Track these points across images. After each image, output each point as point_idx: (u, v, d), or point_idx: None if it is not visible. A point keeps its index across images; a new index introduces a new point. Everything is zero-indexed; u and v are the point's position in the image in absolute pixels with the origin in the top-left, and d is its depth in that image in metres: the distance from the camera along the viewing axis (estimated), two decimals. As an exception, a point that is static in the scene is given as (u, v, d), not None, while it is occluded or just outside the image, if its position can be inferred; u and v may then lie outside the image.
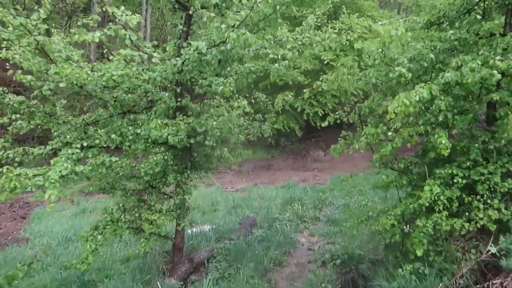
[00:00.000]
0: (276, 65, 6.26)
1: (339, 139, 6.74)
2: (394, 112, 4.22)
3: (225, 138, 6.49)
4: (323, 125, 6.83)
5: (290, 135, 22.08)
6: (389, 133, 5.45)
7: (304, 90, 20.89)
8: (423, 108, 4.93)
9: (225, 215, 11.03)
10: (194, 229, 9.70)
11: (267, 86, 20.32)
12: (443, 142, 4.73)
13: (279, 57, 5.92)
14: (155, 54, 4.82)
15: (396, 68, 5.00)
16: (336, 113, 6.77)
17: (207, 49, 4.36)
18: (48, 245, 8.99)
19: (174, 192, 6.36)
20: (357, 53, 19.96)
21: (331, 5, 8.69)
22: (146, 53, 4.86)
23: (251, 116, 7.26)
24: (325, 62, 19.37)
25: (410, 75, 4.97)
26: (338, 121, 6.99)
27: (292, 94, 7.44)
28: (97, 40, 4.60)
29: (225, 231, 9.04)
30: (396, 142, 5.29)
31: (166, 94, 6.18)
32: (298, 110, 20.18)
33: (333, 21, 20.10)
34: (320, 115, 20.30)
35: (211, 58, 4.33)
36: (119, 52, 4.59)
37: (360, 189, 12.33)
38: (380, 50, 5.69)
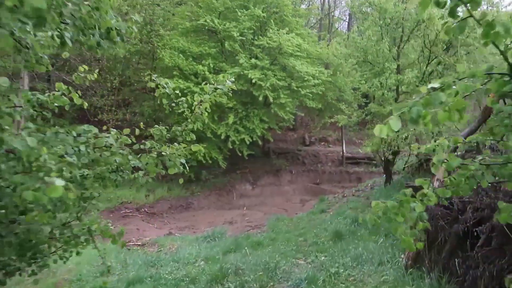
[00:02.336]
0: None
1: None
2: None
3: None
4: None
5: (213, 167, 17.93)
6: None
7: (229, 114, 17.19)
8: None
9: (115, 302, 6.40)
10: None
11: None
12: None
13: None
14: None
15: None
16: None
17: None
18: None
19: None
20: (288, 74, 16.85)
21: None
22: None
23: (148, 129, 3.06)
24: (253, 81, 15.83)
25: None
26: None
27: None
28: None
29: None
30: None
31: None
32: (222, 137, 16.24)
33: (260, 36, 16.83)
34: (248, 142, 16.55)
35: None
36: None
37: (315, 241, 8.49)
38: None
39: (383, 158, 12.05)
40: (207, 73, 16.06)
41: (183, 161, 2.85)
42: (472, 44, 9.72)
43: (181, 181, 3.25)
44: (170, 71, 16.71)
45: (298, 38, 17.18)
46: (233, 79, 3.12)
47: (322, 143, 22.96)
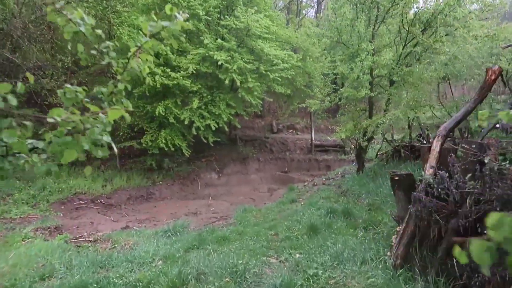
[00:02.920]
0: None
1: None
2: None
3: None
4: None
5: (176, 155, 16.66)
6: None
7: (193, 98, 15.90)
8: None
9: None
10: None
11: (144, 93, 14.72)
12: None
13: None
14: None
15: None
16: None
17: None
18: None
19: None
20: (256, 57, 15.76)
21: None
22: None
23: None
24: (219, 64, 14.64)
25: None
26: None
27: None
28: None
29: None
30: None
31: None
32: (186, 123, 14.99)
33: (226, 16, 15.59)
34: (213, 129, 15.40)
35: None
36: None
37: (288, 236, 7.59)
38: None
39: (355, 145, 11.34)
40: (169, 53, 14.68)
41: (107, 138, 1.76)
42: (452, 25, 9.07)
43: (88, 171, 2.14)
44: (129, 51, 15.12)
45: (266, 19, 16.10)
46: (187, 15, 2.05)
47: (290, 130, 22.18)
